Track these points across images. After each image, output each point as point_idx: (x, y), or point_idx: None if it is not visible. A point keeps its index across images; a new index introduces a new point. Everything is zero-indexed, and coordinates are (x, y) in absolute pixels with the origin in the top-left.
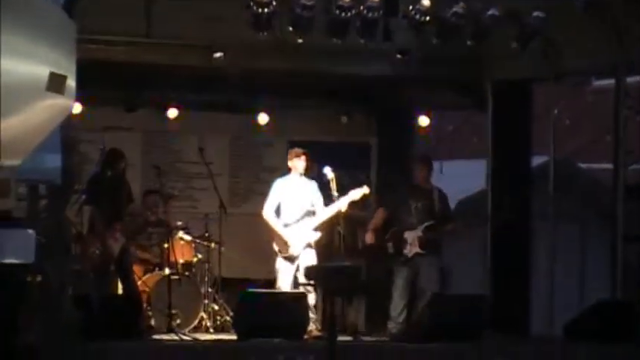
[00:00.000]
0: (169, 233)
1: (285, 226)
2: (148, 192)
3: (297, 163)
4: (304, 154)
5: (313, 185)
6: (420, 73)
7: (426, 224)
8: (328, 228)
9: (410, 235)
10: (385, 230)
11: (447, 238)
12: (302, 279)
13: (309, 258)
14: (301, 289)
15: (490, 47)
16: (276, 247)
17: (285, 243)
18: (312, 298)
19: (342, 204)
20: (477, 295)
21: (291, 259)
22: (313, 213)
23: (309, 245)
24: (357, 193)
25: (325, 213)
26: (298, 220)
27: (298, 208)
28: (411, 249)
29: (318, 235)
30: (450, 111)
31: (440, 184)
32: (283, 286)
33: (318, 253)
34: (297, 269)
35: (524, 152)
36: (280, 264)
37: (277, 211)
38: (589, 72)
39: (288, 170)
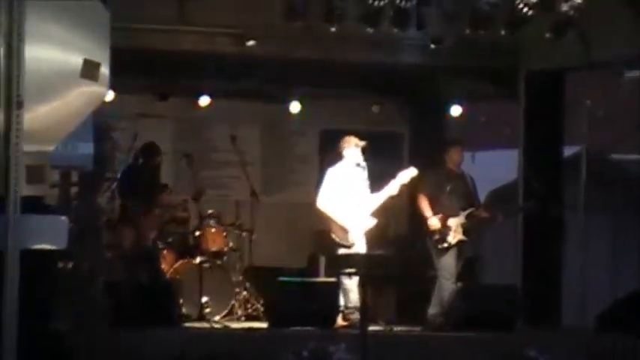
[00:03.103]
0: (201, 222)
1: (342, 214)
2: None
3: (354, 152)
4: (363, 145)
5: (364, 173)
6: (452, 62)
7: (468, 211)
8: None
9: (453, 222)
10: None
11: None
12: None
13: (362, 246)
14: (331, 279)
15: (523, 37)
16: (335, 238)
17: (345, 231)
18: (354, 285)
19: (392, 188)
20: (508, 285)
21: (350, 247)
22: (363, 201)
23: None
24: (405, 176)
25: (377, 198)
26: (354, 208)
27: (352, 197)
28: (455, 235)
29: (375, 221)
30: (483, 101)
31: (473, 173)
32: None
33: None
34: None
35: (556, 142)
36: (342, 252)
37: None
38: (623, 63)
39: (339, 157)
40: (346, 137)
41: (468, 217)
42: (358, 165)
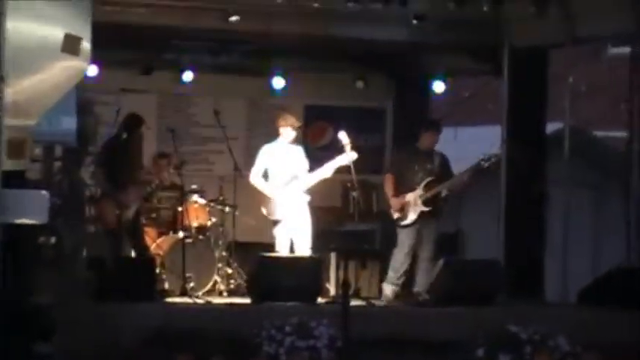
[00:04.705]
0: (183, 196)
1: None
2: (160, 155)
3: (289, 132)
4: (299, 127)
5: (300, 151)
6: (436, 38)
7: (425, 181)
8: (342, 192)
9: (412, 196)
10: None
11: (460, 202)
12: (299, 243)
13: (303, 222)
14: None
15: (507, 12)
16: (264, 211)
17: (274, 207)
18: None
19: (327, 170)
20: (491, 259)
21: (277, 222)
22: (298, 178)
23: (301, 209)
24: (343, 159)
25: (311, 178)
26: (285, 185)
27: (285, 174)
28: (415, 209)
29: (308, 198)
30: (466, 76)
31: (454, 149)
32: (281, 251)
33: (331, 217)
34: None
35: (539, 118)
36: (276, 228)
37: (265, 177)
38: (606, 39)
39: (277, 135)
40: (284, 115)
41: (426, 188)
42: (294, 143)
